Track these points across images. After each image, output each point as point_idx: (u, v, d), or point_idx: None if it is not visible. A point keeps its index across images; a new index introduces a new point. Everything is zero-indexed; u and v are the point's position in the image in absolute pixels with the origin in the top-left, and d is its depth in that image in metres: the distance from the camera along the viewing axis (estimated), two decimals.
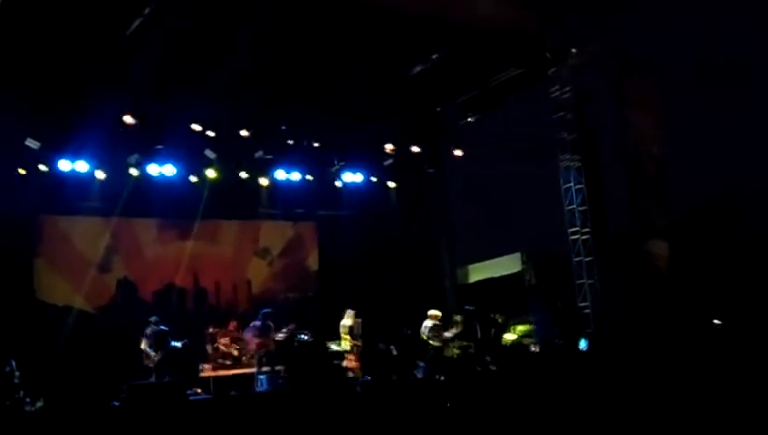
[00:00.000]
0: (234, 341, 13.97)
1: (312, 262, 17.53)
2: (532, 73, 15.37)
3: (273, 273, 16.98)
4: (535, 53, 14.71)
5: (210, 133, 14.34)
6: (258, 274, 16.76)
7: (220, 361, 13.66)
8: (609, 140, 15.70)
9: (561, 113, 15.36)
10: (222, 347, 13.86)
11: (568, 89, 15.24)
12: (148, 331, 12.39)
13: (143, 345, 12.29)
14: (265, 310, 13.65)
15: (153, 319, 12.57)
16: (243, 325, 14.07)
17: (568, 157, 15.37)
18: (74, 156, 13.69)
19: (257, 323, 13.40)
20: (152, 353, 12.20)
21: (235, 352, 13.83)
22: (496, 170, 16.88)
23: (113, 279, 15.05)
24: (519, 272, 18.08)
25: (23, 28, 11.40)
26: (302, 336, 13.67)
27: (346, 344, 13.50)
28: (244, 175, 15.54)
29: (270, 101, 14.66)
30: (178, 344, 12.52)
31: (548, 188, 16.12)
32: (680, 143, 16.19)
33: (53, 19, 11.40)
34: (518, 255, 18.17)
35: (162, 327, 12.49)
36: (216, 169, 14.95)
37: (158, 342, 12.34)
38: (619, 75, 15.26)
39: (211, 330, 14.03)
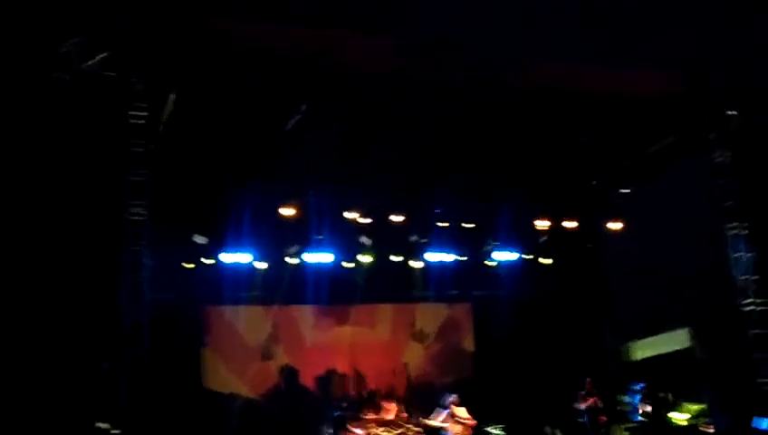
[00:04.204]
0: (391, 425, 13.83)
1: (468, 344, 17.29)
2: (690, 139, 14.78)
3: (429, 356, 16.84)
4: (692, 117, 14.16)
5: (364, 220, 14.64)
6: (415, 357, 16.68)
7: None
8: None
9: (725, 179, 14.62)
10: (381, 433, 13.74)
11: (730, 153, 14.53)
12: (336, 415, 12.69)
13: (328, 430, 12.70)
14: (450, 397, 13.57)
15: (342, 405, 13.31)
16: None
17: (736, 224, 14.54)
18: (236, 248, 14.29)
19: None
20: None
21: None
22: (657, 242, 16.12)
23: (276, 366, 15.41)
24: (688, 348, 17.07)
25: (188, 130, 12.10)
26: (494, 431, 13.45)
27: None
28: (397, 259, 15.67)
29: (421, 183, 14.80)
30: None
31: (715, 259, 15.25)
32: None
33: (217, 119, 12.07)
34: (685, 330, 17.20)
35: (344, 414, 12.75)
36: (370, 254, 15.19)
37: (338, 428, 12.75)
38: None
39: (370, 415, 13.96)
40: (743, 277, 14.38)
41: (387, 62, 11.07)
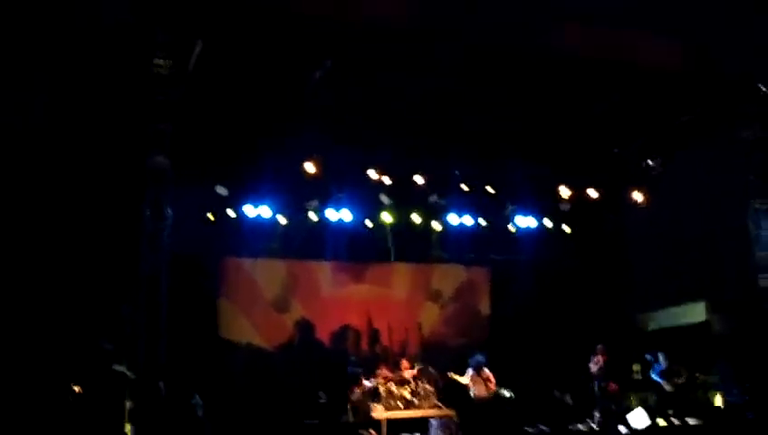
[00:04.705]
0: (405, 383, 14.03)
1: (484, 307, 17.39)
2: (717, 113, 14.59)
3: (444, 317, 16.98)
4: (720, 91, 13.96)
5: (386, 179, 14.70)
6: (429, 317, 16.81)
7: (392, 402, 13.72)
8: None
9: (749, 154, 14.44)
10: (394, 389, 13.94)
11: (757, 128, 14.33)
12: (349, 370, 12.90)
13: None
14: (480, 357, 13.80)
15: (352, 358, 13.31)
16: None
17: (759, 200, 14.40)
18: (258, 201, 14.44)
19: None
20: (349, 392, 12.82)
21: (408, 395, 13.84)
22: (679, 215, 16.03)
23: (291, 319, 15.62)
24: (704, 321, 17.04)
25: (213, 81, 12.17)
26: (506, 393, 13.60)
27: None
28: (417, 219, 15.73)
29: (444, 145, 14.80)
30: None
31: (736, 234, 15.15)
32: None
33: (242, 72, 12.13)
34: (702, 303, 17.15)
35: (357, 369, 12.93)
36: (390, 214, 15.28)
37: (351, 382, 13.15)
38: None
39: (384, 371, 14.17)
40: (763, 253, 14.30)
41: (413, 20, 11.04)
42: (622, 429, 12.31)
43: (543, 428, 12.66)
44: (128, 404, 10.23)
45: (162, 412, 10.26)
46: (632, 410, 13.43)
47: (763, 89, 13.92)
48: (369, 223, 15.48)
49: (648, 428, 12.63)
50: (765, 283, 14.15)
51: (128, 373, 10.39)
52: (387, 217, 15.35)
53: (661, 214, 16.49)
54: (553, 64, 12.22)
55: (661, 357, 14.55)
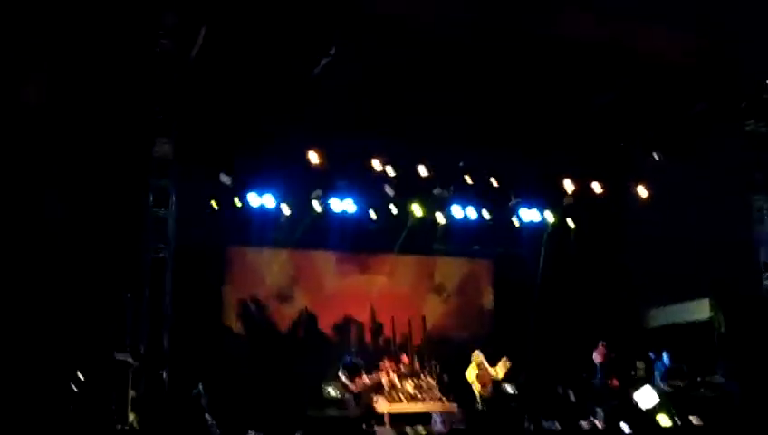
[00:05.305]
0: (408, 376, 13.98)
1: (487, 300, 17.34)
2: (723, 108, 14.51)
3: (447, 310, 16.91)
4: (726, 86, 13.88)
5: (389, 170, 14.62)
6: (433, 310, 16.73)
7: (395, 395, 13.67)
8: None
9: (754, 150, 14.38)
10: (397, 382, 13.89)
11: (763, 123, 14.27)
12: (348, 361, 12.76)
13: (341, 374, 12.74)
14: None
15: (353, 349, 13.38)
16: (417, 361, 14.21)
17: (764, 197, 14.34)
18: (262, 190, 14.37)
19: None
20: (350, 384, 12.59)
21: (411, 388, 13.79)
22: (683, 210, 15.95)
23: (295, 309, 15.56)
24: (707, 319, 16.99)
25: (216, 70, 12.08)
26: (509, 389, 13.52)
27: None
28: (420, 211, 15.66)
29: (448, 137, 14.71)
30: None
31: (739, 231, 15.09)
32: None
33: (245, 61, 12.04)
34: (706, 301, 17.10)
35: (359, 361, 12.85)
36: (394, 205, 15.22)
37: (352, 374, 12.76)
38: None
39: (387, 364, 14.12)
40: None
41: (419, 6, 10.97)
42: (625, 427, 12.19)
43: (550, 424, 12.56)
44: (131, 393, 10.16)
45: (165, 401, 10.23)
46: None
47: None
48: (372, 214, 15.38)
49: (650, 428, 12.48)
50: None
51: (131, 362, 10.32)
52: (389, 209, 15.27)
53: (666, 209, 16.42)
54: (561, 54, 12.16)
55: (665, 357, 14.45)
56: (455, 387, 13.76)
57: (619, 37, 11.99)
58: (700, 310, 17.23)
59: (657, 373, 14.28)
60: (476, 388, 13.33)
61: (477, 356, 13.59)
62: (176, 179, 11.31)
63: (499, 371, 13.41)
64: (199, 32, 10.86)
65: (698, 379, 14.53)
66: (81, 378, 10.22)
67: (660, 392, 13.08)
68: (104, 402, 10.00)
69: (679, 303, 17.68)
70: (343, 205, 14.86)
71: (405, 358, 14.38)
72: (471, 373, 13.46)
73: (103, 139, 12.09)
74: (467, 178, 15.49)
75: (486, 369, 13.44)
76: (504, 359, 13.46)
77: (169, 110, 11.13)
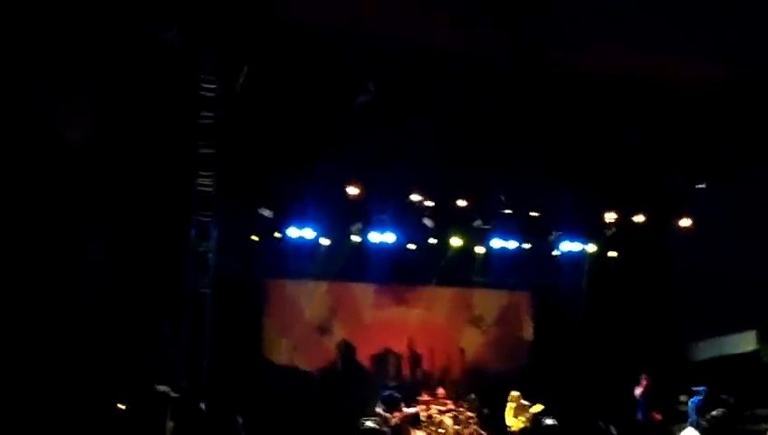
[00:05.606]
0: (447, 409, 13.93)
1: (527, 332, 17.22)
2: (763, 137, 14.31)
3: (486, 342, 16.84)
4: (759, 115, 13.70)
5: (428, 203, 14.68)
6: (471, 342, 16.69)
7: (433, 429, 13.62)
8: None
9: None
10: (436, 415, 13.85)
11: None
12: (386, 395, 12.78)
13: (378, 408, 12.71)
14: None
15: (392, 384, 13.35)
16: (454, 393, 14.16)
17: None
18: (302, 224, 14.53)
19: None
20: (389, 417, 12.57)
21: (449, 422, 13.73)
22: (727, 240, 15.72)
23: (333, 342, 15.64)
24: (754, 350, 16.65)
25: (256, 105, 12.29)
26: (548, 422, 13.43)
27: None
28: (459, 243, 15.67)
29: (488, 169, 14.73)
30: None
31: None
32: None
33: (287, 95, 12.23)
34: (752, 332, 16.76)
35: (397, 395, 12.86)
36: (433, 237, 15.28)
37: (390, 408, 12.76)
38: None
39: (425, 397, 14.09)
40: None
41: (454, 40, 11.04)
42: None
43: None
44: (169, 424, 10.28)
45: (204, 432, 10.33)
46: None
47: None
48: (411, 246, 15.44)
49: None
50: None
51: (170, 393, 10.45)
52: (429, 241, 15.31)
53: (709, 239, 16.21)
54: (600, 87, 12.14)
55: (702, 392, 14.19)
56: (493, 420, 13.67)
57: (650, 69, 11.94)
58: (746, 342, 16.90)
59: (691, 408, 13.99)
60: (515, 426, 13.27)
61: (514, 396, 13.58)
62: (217, 214, 11.52)
63: (535, 409, 13.37)
64: (241, 70, 11.07)
65: (745, 413, 14.25)
66: (122, 409, 10.37)
67: (702, 430, 12.82)
68: (144, 433, 10.12)
69: (724, 335, 17.37)
70: (382, 237, 14.95)
71: (441, 391, 14.33)
72: (509, 414, 13.44)
73: (147, 174, 12.33)
74: (507, 211, 15.48)
75: (523, 406, 13.39)
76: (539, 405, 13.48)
77: (211, 146, 11.36)
